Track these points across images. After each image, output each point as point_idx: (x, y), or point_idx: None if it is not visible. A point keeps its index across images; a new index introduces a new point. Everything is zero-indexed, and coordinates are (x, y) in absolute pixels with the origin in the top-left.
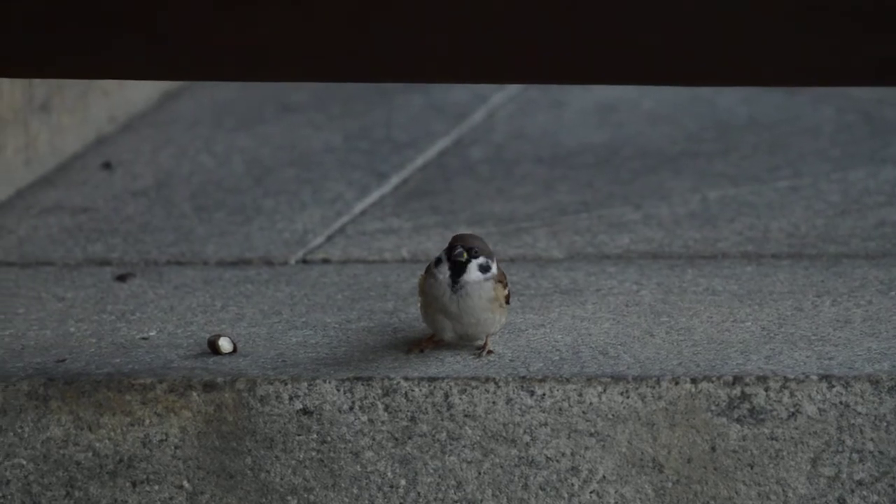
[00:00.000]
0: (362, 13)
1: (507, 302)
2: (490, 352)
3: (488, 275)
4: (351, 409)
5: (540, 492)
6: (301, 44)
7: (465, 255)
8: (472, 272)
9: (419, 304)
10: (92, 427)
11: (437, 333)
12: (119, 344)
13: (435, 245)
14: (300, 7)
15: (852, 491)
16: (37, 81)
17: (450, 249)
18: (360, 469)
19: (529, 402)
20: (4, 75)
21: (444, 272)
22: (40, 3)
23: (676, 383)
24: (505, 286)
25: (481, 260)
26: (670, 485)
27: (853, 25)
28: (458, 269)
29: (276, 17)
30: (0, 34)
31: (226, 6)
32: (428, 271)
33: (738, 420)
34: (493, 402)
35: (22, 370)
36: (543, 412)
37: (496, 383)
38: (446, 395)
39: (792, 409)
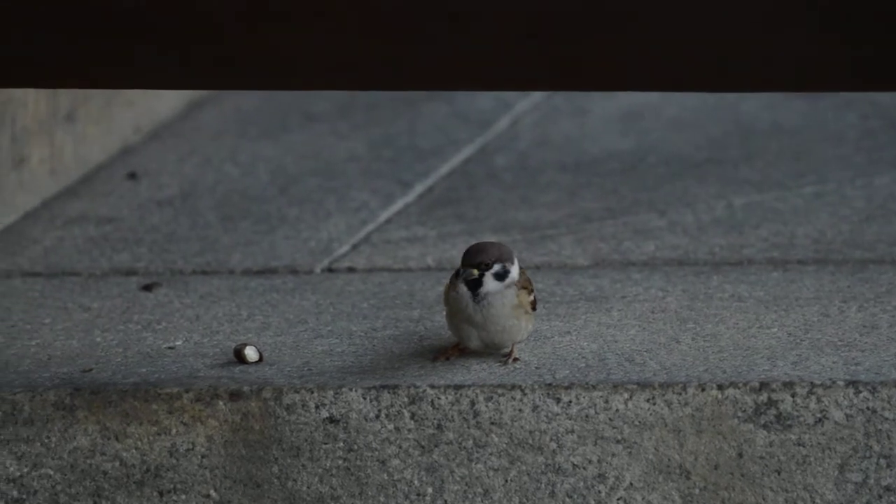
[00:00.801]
0: (385, 21)
1: (534, 308)
2: (516, 359)
3: (508, 280)
4: (377, 417)
5: (567, 499)
6: (325, 52)
7: (475, 272)
8: (489, 283)
9: (445, 313)
10: (119, 437)
11: (462, 342)
12: (145, 353)
13: (460, 253)
14: (324, 16)
15: (880, 497)
16: (62, 92)
17: (462, 270)
18: (386, 477)
19: (556, 409)
20: (30, 85)
21: (464, 286)
22: (65, 12)
23: (703, 389)
24: (530, 292)
25: (496, 268)
26: (697, 491)
27: (878, 31)
28: (474, 286)
29: (301, 26)
30: (25, 44)
31: (250, 15)
32: (452, 282)
33: (764, 426)
34: (520, 410)
35: (48, 380)
36: (570, 419)
37: (522, 391)
38: (472, 403)
39: (819, 415)
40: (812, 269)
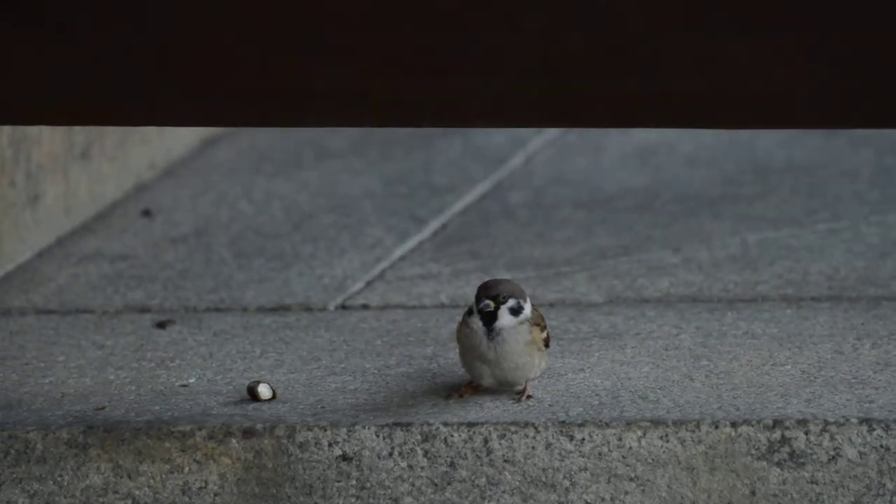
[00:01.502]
0: (400, 58)
1: (546, 345)
2: (529, 396)
3: (521, 317)
4: (390, 454)
5: None
6: (340, 89)
7: (492, 304)
8: (504, 317)
9: (458, 350)
10: (131, 475)
11: (475, 379)
12: (158, 391)
13: (474, 289)
14: (339, 52)
15: None
16: (76, 129)
17: (477, 302)
18: None
19: (569, 446)
20: (44, 123)
21: (477, 322)
22: (79, 50)
23: (716, 427)
24: (543, 329)
25: (511, 303)
26: None
27: (890, 67)
28: (489, 319)
29: (316, 63)
30: (40, 81)
31: (266, 53)
32: (464, 319)
33: (778, 464)
34: (533, 447)
35: (61, 418)
36: (583, 457)
37: (535, 428)
38: (486, 441)
39: (832, 453)
40: (826, 307)
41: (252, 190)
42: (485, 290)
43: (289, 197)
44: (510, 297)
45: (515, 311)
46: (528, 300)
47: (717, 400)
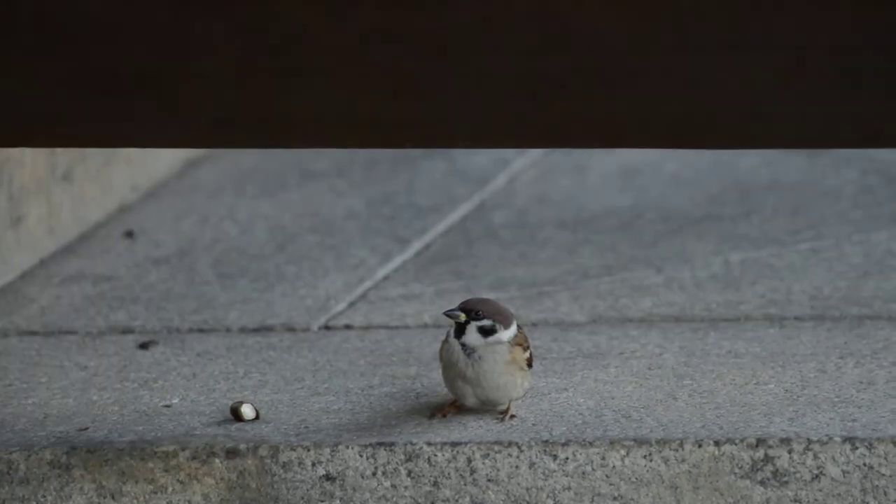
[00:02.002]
0: (383, 79)
1: (530, 365)
2: (513, 416)
3: (492, 339)
4: (374, 474)
5: None
6: (323, 111)
7: (462, 316)
8: (471, 333)
9: (441, 370)
10: (115, 495)
11: (458, 399)
12: (142, 412)
13: None
14: (322, 74)
15: None
16: (59, 151)
17: (451, 312)
18: None
19: (553, 466)
20: (26, 145)
21: (456, 340)
22: (61, 71)
23: (700, 446)
24: (525, 349)
25: (484, 322)
26: None
27: (878, 88)
28: (457, 330)
29: (298, 84)
30: (21, 103)
31: (248, 74)
32: (446, 338)
33: (761, 482)
34: (516, 467)
35: (44, 439)
36: (567, 476)
37: (519, 447)
38: (469, 460)
39: (815, 472)
40: (809, 326)
41: (236, 211)
42: (463, 303)
43: (272, 218)
44: (486, 317)
45: (486, 332)
46: (514, 326)
47: (700, 419)
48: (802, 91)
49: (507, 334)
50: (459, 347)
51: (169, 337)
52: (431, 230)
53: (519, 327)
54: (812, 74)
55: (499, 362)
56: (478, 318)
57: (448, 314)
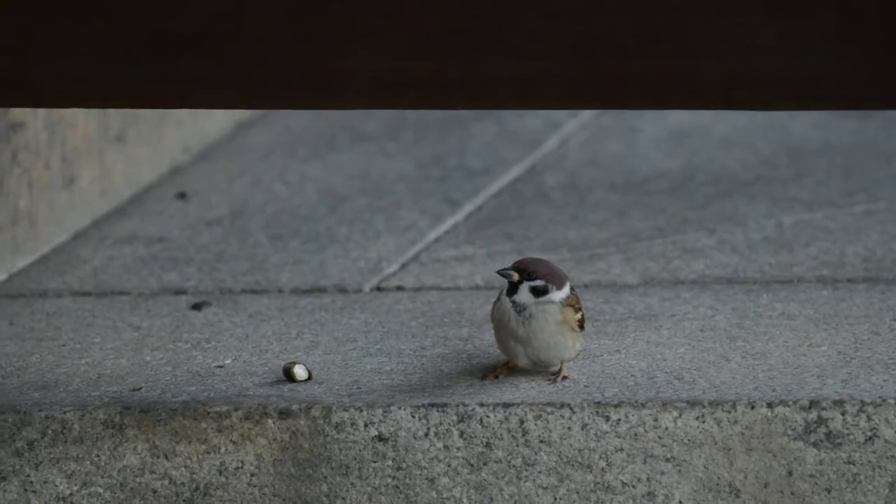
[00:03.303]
0: (434, 41)
1: (582, 327)
2: (565, 377)
3: (544, 298)
4: (426, 435)
5: None
6: (373, 72)
7: (515, 275)
8: (523, 293)
9: (493, 331)
10: (168, 455)
11: (511, 359)
12: (194, 372)
13: None
14: (372, 35)
15: None
16: (111, 112)
17: (505, 272)
18: (435, 495)
19: (605, 427)
20: (79, 105)
21: (508, 299)
22: (114, 31)
23: (752, 408)
24: (577, 310)
25: (537, 282)
26: None
27: None
28: (510, 290)
29: (350, 45)
30: (74, 64)
31: (301, 35)
32: (498, 298)
33: (814, 444)
34: (569, 428)
35: (98, 399)
36: (619, 437)
37: (571, 409)
38: (521, 421)
39: (869, 433)
40: (862, 288)
41: (286, 173)
42: (516, 263)
43: (323, 179)
44: (539, 277)
45: (538, 291)
46: (567, 287)
47: (753, 381)
48: (851, 52)
49: (559, 295)
50: (511, 306)
51: (221, 298)
52: (483, 192)
53: (572, 289)
54: (861, 35)
55: (550, 322)
56: (531, 278)
57: (501, 273)
